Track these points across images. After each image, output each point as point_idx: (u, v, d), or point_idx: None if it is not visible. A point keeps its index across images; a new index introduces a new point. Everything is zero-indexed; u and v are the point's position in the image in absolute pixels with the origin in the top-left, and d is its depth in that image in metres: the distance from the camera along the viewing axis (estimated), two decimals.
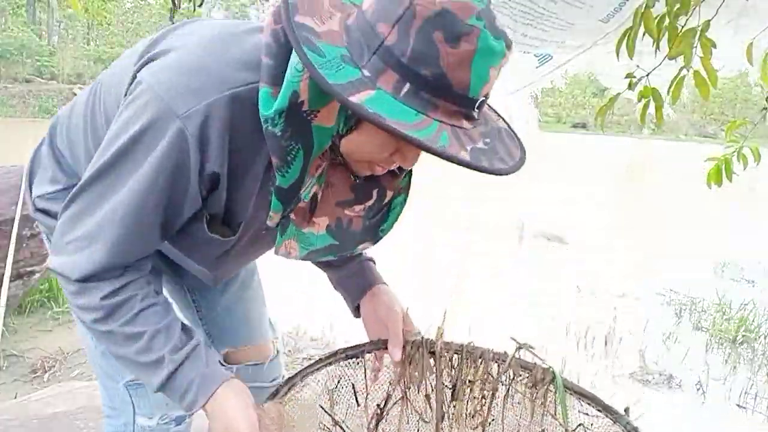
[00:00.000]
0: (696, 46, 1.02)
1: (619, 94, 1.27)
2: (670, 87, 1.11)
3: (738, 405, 3.53)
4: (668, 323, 4.71)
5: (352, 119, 0.74)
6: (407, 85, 0.65)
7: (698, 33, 1.01)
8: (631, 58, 1.12)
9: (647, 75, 1.18)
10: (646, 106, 1.17)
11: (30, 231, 3.57)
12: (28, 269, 3.66)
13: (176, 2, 2.11)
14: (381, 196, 0.92)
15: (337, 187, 0.87)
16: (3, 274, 2.19)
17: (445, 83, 0.64)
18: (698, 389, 3.68)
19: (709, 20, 1.02)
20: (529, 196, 11.83)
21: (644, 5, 1.08)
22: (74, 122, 0.97)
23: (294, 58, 0.69)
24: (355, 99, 0.63)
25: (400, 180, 0.95)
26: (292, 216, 0.83)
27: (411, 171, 0.96)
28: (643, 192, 15.43)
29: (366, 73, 0.66)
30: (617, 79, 1.83)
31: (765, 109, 1.39)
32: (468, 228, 8.27)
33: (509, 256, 6.72)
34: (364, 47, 0.66)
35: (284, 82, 0.70)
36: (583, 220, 10.01)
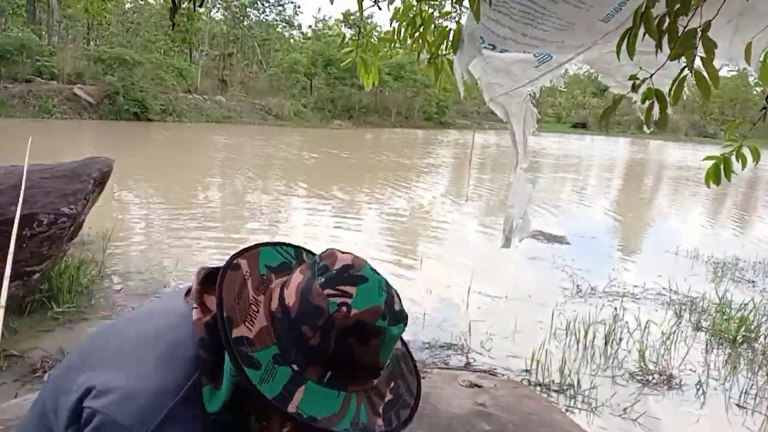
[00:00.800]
0: (697, 47, 1.02)
1: (622, 96, 1.27)
2: (671, 88, 1.11)
3: (738, 405, 3.53)
4: (668, 323, 4.71)
5: None
6: (329, 373, 0.80)
7: (699, 33, 1.01)
8: (632, 59, 1.12)
9: (650, 76, 1.17)
10: (650, 108, 1.17)
11: (30, 231, 3.57)
12: (28, 269, 3.66)
13: (176, 2, 2.10)
14: None
15: (272, 420, 0.92)
16: (3, 274, 2.19)
17: (359, 366, 0.81)
18: (698, 389, 3.68)
19: (710, 20, 1.02)
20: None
21: (644, 5, 1.08)
22: None
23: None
24: (292, 408, 0.76)
25: None
26: None
27: None
28: (643, 192, 15.43)
29: (295, 367, 0.79)
30: (617, 80, 1.83)
31: (764, 108, 1.38)
32: (468, 231, 8.27)
33: (509, 256, 6.71)
34: (292, 345, 0.79)
35: (224, 380, 0.80)
36: (583, 220, 10.01)
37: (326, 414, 0.77)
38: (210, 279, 0.90)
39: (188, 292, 0.94)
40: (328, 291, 0.78)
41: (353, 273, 0.81)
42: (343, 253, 0.86)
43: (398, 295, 0.85)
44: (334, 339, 0.77)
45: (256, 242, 0.94)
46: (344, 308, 0.77)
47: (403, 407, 0.86)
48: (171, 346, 0.84)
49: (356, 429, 0.78)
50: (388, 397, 0.85)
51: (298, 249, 0.96)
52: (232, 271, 0.85)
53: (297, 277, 0.83)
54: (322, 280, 0.80)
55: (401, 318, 0.83)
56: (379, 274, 0.85)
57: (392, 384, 0.88)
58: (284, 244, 0.95)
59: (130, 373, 0.82)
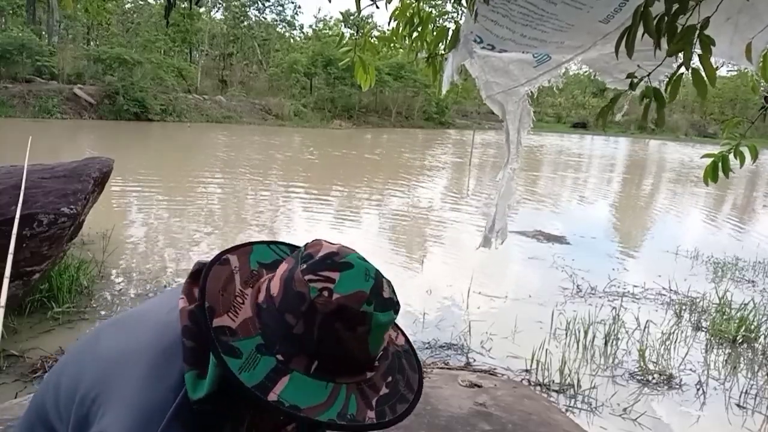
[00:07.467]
0: (695, 44, 1.02)
1: (619, 95, 1.27)
2: (667, 84, 1.11)
3: (738, 405, 3.53)
4: (668, 323, 4.71)
5: None
6: (316, 363, 0.76)
7: (697, 30, 1.01)
8: (631, 58, 1.12)
9: (648, 75, 1.17)
10: (647, 107, 1.17)
11: (30, 231, 3.57)
12: (28, 269, 3.66)
13: (172, 1, 2.10)
14: None
15: (267, 416, 0.91)
16: (3, 274, 2.19)
17: (348, 357, 0.77)
18: (698, 389, 3.68)
19: (709, 17, 1.02)
20: (529, 196, 11.83)
21: (644, 4, 1.08)
22: None
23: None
24: (272, 396, 0.73)
25: None
26: None
27: None
28: (643, 191, 15.42)
29: (280, 357, 0.76)
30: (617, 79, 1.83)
31: (764, 108, 1.38)
32: (469, 231, 8.26)
33: (509, 256, 6.71)
34: (277, 335, 0.77)
35: (209, 369, 0.78)
36: (583, 220, 10.01)
37: (310, 404, 0.74)
38: (201, 273, 0.89)
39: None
40: (309, 277, 0.76)
41: (337, 260, 0.78)
42: (332, 243, 0.83)
43: (391, 285, 0.82)
44: (317, 326, 0.74)
45: (250, 240, 0.94)
46: (326, 293, 0.74)
47: (400, 401, 0.82)
48: (163, 352, 0.81)
49: (343, 420, 0.75)
50: (384, 391, 0.82)
51: (294, 248, 0.93)
52: (220, 265, 0.85)
53: (282, 267, 0.82)
54: (304, 266, 0.77)
55: (390, 305, 0.79)
56: (368, 262, 0.82)
57: (390, 378, 0.84)
58: (279, 242, 0.94)
59: (125, 394, 0.79)
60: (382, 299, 0.78)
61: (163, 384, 0.78)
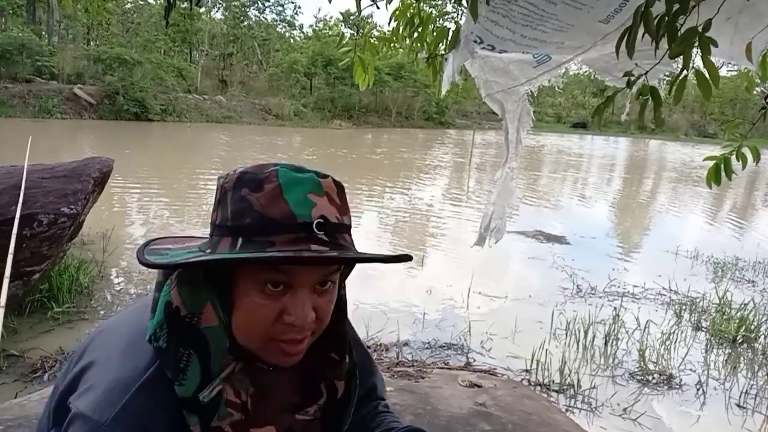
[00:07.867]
0: (696, 45, 1.02)
1: (616, 93, 1.26)
2: (671, 87, 1.11)
3: (738, 405, 3.53)
4: (668, 323, 4.71)
5: (227, 307, 0.75)
6: (240, 239, 0.72)
7: (699, 32, 1.01)
8: (631, 58, 1.12)
9: (645, 73, 1.17)
10: (644, 105, 1.17)
11: (30, 231, 3.57)
12: (28, 269, 3.66)
13: (172, 1, 2.10)
14: (331, 390, 0.89)
15: (278, 392, 0.84)
16: (3, 274, 2.19)
17: (269, 220, 0.71)
18: (698, 389, 3.68)
19: (711, 19, 1.02)
20: (529, 195, 11.83)
21: (644, 4, 1.08)
22: None
23: (162, 276, 0.79)
24: (180, 260, 0.72)
25: (344, 368, 0.91)
26: (226, 429, 0.78)
27: (353, 358, 0.93)
28: (643, 191, 15.43)
29: (207, 250, 0.75)
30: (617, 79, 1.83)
31: (764, 108, 1.38)
32: (469, 231, 8.26)
33: (509, 256, 6.71)
34: (209, 239, 0.77)
35: (159, 299, 0.77)
36: (583, 220, 10.01)
37: (219, 257, 0.71)
38: None
39: None
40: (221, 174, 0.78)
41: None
42: None
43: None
44: (229, 201, 0.73)
45: None
46: (230, 173, 0.76)
47: (354, 253, 0.75)
48: (141, 328, 0.79)
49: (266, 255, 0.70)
50: (329, 253, 0.72)
51: None
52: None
53: None
54: None
55: (310, 171, 0.75)
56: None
57: (350, 253, 0.74)
58: None
59: (102, 366, 0.79)
60: (296, 167, 0.75)
61: (137, 357, 0.76)
